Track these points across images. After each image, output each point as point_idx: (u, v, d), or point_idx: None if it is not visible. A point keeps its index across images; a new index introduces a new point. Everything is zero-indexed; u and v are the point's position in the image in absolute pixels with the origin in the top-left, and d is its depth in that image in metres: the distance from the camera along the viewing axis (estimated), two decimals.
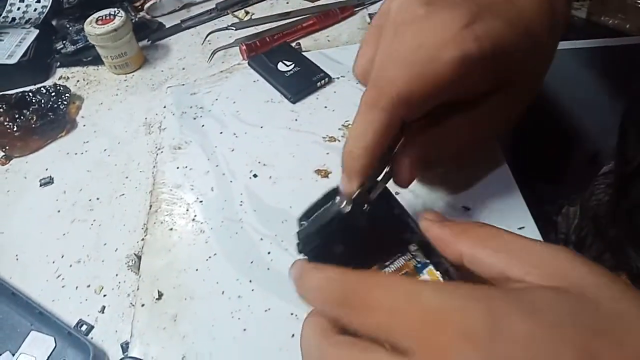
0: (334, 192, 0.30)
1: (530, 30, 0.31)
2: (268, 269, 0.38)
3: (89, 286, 0.41)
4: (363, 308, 0.21)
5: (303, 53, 0.55)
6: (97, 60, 0.61)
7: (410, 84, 0.28)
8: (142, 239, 0.42)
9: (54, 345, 0.37)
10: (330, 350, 0.22)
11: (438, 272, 0.27)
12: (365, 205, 0.30)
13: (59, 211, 0.46)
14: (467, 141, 0.34)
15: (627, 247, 0.53)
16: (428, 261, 0.28)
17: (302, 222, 0.30)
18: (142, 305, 0.37)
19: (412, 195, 0.39)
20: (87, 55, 0.62)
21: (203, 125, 0.49)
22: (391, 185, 0.33)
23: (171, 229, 0.41)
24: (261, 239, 0.39)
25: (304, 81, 0.51)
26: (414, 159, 0.32)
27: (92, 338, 0.38)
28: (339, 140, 0.46)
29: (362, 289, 0.22)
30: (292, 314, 0.35)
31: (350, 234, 0.29)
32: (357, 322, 0.22)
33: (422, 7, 0.29)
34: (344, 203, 0.29)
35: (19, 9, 0.65)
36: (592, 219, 0.64)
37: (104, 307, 0.39)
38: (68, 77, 0.61)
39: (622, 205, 0.55)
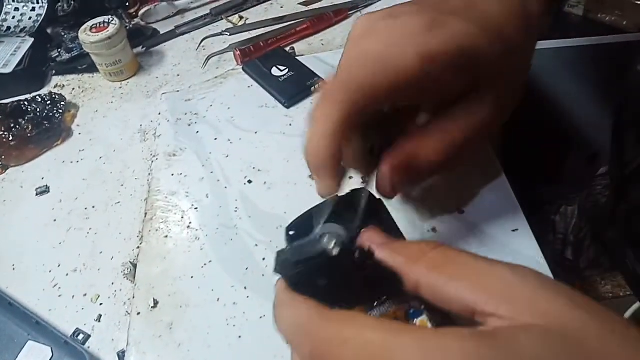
0: (328, 206, 0.29)
1: (502, 33, 0.31)
2: (263, 275, 0.38)
3: (85, 295, 0.41)
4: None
5: (297, 57, 0.56)
6: (92, 68, 0.61)
7: (371, 77, 0.28)
8: (138, 247, 0.42)
9: (51, 355, 0.37)
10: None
11: (429, 324, 0.24)
12: (356, 252, 0.26)
13: (55, 220, 0.46)
14: (446, 147, 0.33)
15: (625, 249, 0.53)
16: (423, 308, 0.25)
17: (291, 232, 0.29)
18: (138, 313, 0.37)
19: (406, 199, 0.39)
20: (82, 63, 0.62)
21: (198, 132, 0.49)
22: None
23: (166, 237, 0.41)
24: (256, 245, 0.39)
25: (298, 86, 0.51)
26: (395, 165, 0.32)
27: (88, 347, 0.38)
28: None
29: (334, 347, 0.20)
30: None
31: (334, 272, 0.26)
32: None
33: (382, 20, 0.30)
34: (333, 244, 0.26)
35: (14, 17, 0.65)
36: (589, 220, 0.64)
37: (100, 316, 0.39)
38: (63, 85, 0.61)
39: (620, 207, 0.55)
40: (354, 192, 0.30)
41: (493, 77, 0.32)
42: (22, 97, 0.57)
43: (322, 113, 0.29)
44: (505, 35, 0.31)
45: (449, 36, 0.29)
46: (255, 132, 0.48)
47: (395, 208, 0.39)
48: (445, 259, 0.21)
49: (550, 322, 0.18)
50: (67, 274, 0.42)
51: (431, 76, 0.29)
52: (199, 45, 0.63)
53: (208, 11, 0.68)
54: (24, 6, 0.66)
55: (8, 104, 0.56)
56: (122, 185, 0.48)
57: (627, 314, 0.45)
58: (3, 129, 0.52)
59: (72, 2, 0.67)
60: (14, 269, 0.43)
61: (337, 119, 0.28)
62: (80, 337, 0.38)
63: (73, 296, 0.41)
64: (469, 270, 0.20)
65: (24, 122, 0.53)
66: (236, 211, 0.42)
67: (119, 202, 0.47)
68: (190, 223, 0.42)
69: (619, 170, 0.53)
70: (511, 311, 0.18)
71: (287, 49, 0.59)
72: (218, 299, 0.37)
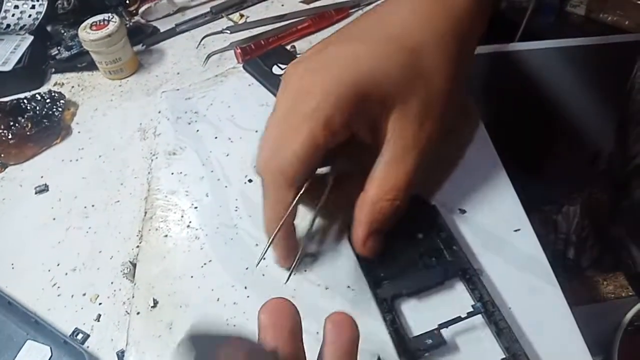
0: None
1: (403, 40, 0.33)
2: (263, 275, 0.37)
3: (84, 294, 0.40)
4: None
5: (298, 56, 0.55)
6: (91, 66, 0.61)
7: (292, 163, 0.32)
8: (137, 246, 0.42)
9: (50, 354, 0.37)
10: None
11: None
12: None
13: (54, 219, 0.46)
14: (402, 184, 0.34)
15: (630, 246, 0.53)
16: None
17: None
18: (138, 313, 0.37)
19: None
20: (81, 61, 0.62)
21: (198, 130, 0.49)
22: None
23: (166, 236, 0.41)
24: (257, 245, 0.39)
25: None
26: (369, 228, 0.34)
27: (87, 347, 0.37)
28: None
29: None
30: None
31: None
32: None
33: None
34: None
35: (13, 15, 0.65)
36: (592, 219, 0.63)
37: (99, 316, 0.39)
38: (63, 83, 0.61)
39: (623, 203, 0.55)
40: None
41: (405, 93, 0.32)
42: (22, 95, 0.57)
43: (266, 202, 0.35)
44: (409, 41, 0.33)
45: (342, 78, 0.32)
46: (256, 131, 0.48)
47: None
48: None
49: None
50: (66, 273, 0.42)
51: (341, 127, 0.32)
52: (199, 44, 0.62)
53: (208, 9, 0.68)
54: (23, 4, 0.66)
55: (7, 102, 0.55)
56: (122, 184, 0.48)
57: (629, 314, 0.45)
58: (2, 127, 0.52)
59: (72, 0, 0.66)
60: (12, 268, 0.43)
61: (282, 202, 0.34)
62: (80, 336, 0.38)
63: (72, 295, 0.40)
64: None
65: (23, 120, 0.53)
66: (236, 210, 0.42)
67: (118, 201, 0.46)
68: (190, 222, 0.42)
69: (622, 166, 0.53)
70: None
71: (288, 47, 0.58)
72: (218, 299, 0.36)
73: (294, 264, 0.36)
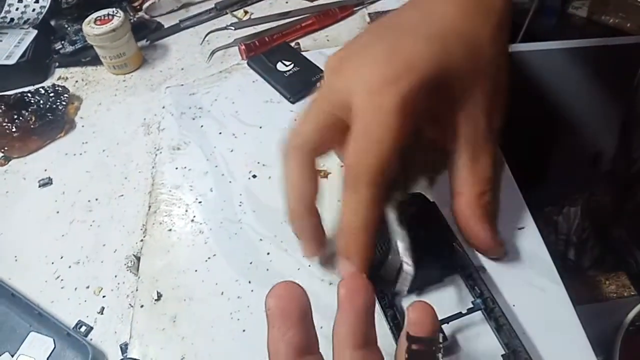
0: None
1: (461, 34, 0.32)
2: (267, 269, 0.37)
3: (88, 287, 0.40)
4: None
5: (302, 53, 0.55)
6: (95, 61, 0.61)
7: (374, 157, 0.29)
8: (141, 240, 0.42)
9: (53, 346, 0.37)
10: None
11: None
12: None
13: (57, 212, 0.46)
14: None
15: (632, 248, 0.53)
16: None
17: None
18: (141, 306, 0.37)
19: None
20: (85, 56, 0.62)
21: (202, 126, 0.49)
22: None
23: (170, 230, 0.41)
24: (260, 240, 0.39)
25: (303, 81, 0.51)
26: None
27: (91, 339, 0.37)
28: None
29: None
30: None
31: None
32: None
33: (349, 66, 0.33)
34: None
35: (17, 9, 0.65)
36: (593, 220, 0.64)
37: (103, 308, 0.39)
38: (67, 78, 0.61)
39: (626, 205, 0.55)
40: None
41: (466, 88, 0.32)
42: (26, 89, 0.57)
43: (352, 200, 0.30)
44: (466, 36, 0.32)
45: (409, 69, 0.30)
46: (260, 127, 0.48)
47: None
48: None
49: None
50: (69, 266, 0.42)
51: (411, 118, 0.30)
52: (203, 40, 0.63)
53: (213, 5, 0.68)
54: None
55: (11, 95, 0.55)
56: (126, 178, 0.48)
57: (631, 314, 0.45)
58: (6, 121, 0.52)
59: None
60: (16, 260, 0.43)
61: (368, 204, 0.29)
62: (83, 329, 0.38)
63: (75, 288, 0.40)
64: None
65: (27, 113, 0.53)
66: (240, 205, 0.42)
67: (122, 195, 0.46)
68: (194, 217, 0.42)
69: (625, 168, 0.53)
70: None
71: (292, 44, 0.58)
72: (222, 293, 0.36)
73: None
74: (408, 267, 0.30)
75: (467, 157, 0.33)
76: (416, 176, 0.38)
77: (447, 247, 0.35)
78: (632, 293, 0.44)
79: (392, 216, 0.32)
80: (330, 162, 0.43)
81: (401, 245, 0.31)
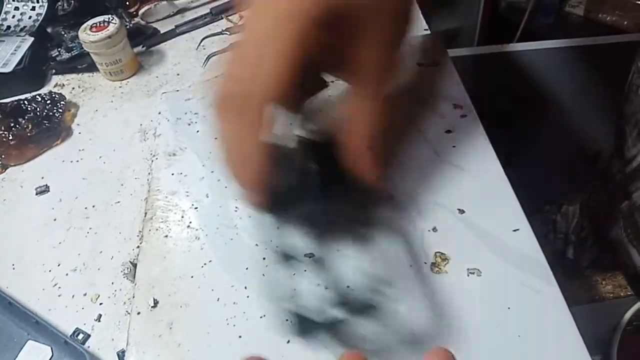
0: None
1: None
2: (263, 275, 0.37)
3: (85, 294, 0.41)
4: None
5: None
6: (92, 67, 0.61)
7: (268, 90, 0.29)
8: (138, 247, 0.42)
9: (51, 354, 0.37)
10: None
11: None
12: None
13: (55, 219, 0.46)
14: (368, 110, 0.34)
15: (629, 248, 0.53)
16: None
17: None
18: (138, 313, 0.37)
19: (406, 199, 0.39)
20: (82, 63, 0.62)
21: (198, 131, 0.49)
22: None
23: (166, 236, 0.41)
24: (256, 245, 0.39)
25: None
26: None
27: (88, 347, 0.38)
28: None
29: None
30: (287, 320, 0.34)
31: None
32: None
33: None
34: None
35: (13, 17, 0.65)
36: (591, 218, 0.64)
37: (100, 316, 0.39)
38: (63, 85, 0.61)
39: (623, 205, 0.55)
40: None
41: (370, 16, 0.31)
42: (22, 97, 0.57)
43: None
44: None
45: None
46: None
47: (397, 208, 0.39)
48: None
49: None
50: (66, 274, 0.42)
51: (309, 50, 0.29)
52: (199, 45, 0.63)
53: (208, 10, 0.68)
54: (24, 5, 0.66)
55: (8, 103, 0.56)
56: (122, 185, 0.48)
57: (628, 314, 0.45)
58: (3, 128, 0.52)
59: (72, 2, 0.67)
60: (13, 268, 0.43)
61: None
62: (80, 336, 0.38)
63: (73, 296, 0.41)
64: None
65: (23, 121, 0.53)
66: (236, 211, 0.42)
67: (118, 202, 0.47)
68: (190, 223, 0.42)
69: (621, 167, 0.53)
70: None
71: None
72: (218, 299, 0.37)
73: None
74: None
75: (363, 91, 0.33)
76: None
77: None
78: (629, 293, 0.44)
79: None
80: None
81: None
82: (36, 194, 0.49)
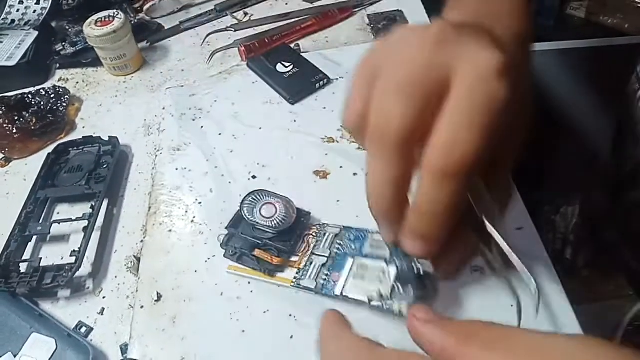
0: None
1: (519, 37, 0.32)
2: None
3: (88, 288, 0.41)
4: None
5: (302, 54, 0.56)
6: (96, 62, 0.61)
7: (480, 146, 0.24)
8: (141, 241, 0.42)
9: (55, 347, 0.37)
10: None
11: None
12: None
13: (58, 213, 0.46)
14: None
15: (623, 250, 0.53)
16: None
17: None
18: (141, 307, 0.37)
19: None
20: (86, 57, 0.62)
21: (202, 127, 0.49)
22: None
23: (170, 231, 0.41)
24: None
25: (302, 82, 0.51)
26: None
27: (91, 340, 0.38)
28: (338, 142, 0.46)
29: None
30: (290, 315, 0.35)
31: None
32: None
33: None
34: None
35: (18, 10, 0.65)
36: (590, 219, 0.64)
37: (103, 309, 0.39)
38: (67, 79, 0.61)
39: (618, 207, 0.55)
40: None
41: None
42: (26, 90, 0.57)
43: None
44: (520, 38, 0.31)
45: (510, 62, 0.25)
46: (260, 128, 0.48)
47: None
48: (498, 338, 0.20)
49: None
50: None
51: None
52: (203, 41, 0.63)
53: (213, 7, 0.68)
54: None
55: (12, 96, 0.56)
56: (126, 179, 0.48)
57: (629, 314, 0.45)
58: (7, 122, 0.52)
59: None
60: None
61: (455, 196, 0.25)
62: (83, 329, 0.38)
63: (76, 289, 0.41)
64: (524, 345, 0.20)
65: (27, 115, 0.53)
66: None
67: (122, 196, 0.47)
68: (194, 217, 0.42)
69: (617, 169, 0.53)
70: None
71: (292, 45, 0.59)
72: (221, 293, 0.37)
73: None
74: None
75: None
76: None
77: None
78: (630, 293, 0.44)
79: None
80: (329, 163, 0.44)
81: None
82: None
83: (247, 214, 0.37)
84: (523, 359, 0.19)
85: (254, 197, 0.38)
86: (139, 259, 0.41)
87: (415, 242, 0.27)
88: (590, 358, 0.18)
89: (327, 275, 0.35)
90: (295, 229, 0.37)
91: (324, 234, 0.37)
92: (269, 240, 0.36)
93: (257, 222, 0.37)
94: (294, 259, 0.37)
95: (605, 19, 1.17)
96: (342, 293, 0.34)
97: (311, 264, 0.36)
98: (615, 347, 0.19)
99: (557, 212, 0.70)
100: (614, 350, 0.19)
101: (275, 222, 0.36)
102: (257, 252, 0.37)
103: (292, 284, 0.35)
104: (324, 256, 0.36)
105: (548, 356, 0.19)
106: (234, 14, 0.67)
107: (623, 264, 0.54)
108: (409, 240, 0.27)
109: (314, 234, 0.38)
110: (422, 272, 0.32)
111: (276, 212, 0.37)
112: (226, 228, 0.38)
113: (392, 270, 0.33)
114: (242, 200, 0.38)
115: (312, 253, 0.36)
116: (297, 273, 0.36)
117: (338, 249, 0.36)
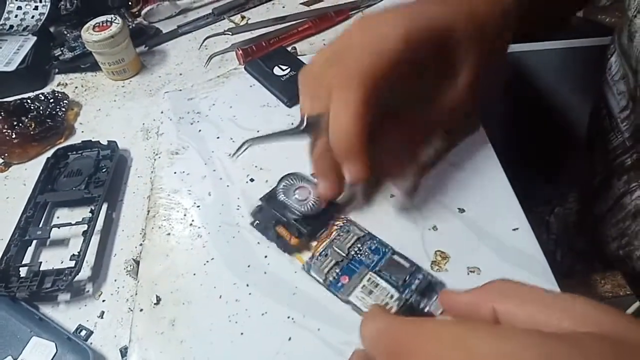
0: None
1: (475, 15, 0.35)
2: (265, 272, 0.38)
3: (88, 291, 0.41)
4: (410, 357, 0.21)
5: (299, 57, 0.56)
6: (94, 67, 0.61)
7: (371, 60, 0.32)
8: (140, 244, 0.42)
9: (55, 350, 0.38)
10: None
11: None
12: None
13: (57, 217, 0.47)
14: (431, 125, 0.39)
15: (593, 259, 0.53)
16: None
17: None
18: (141, 310, 0.37)
19: (407, 198, 0.40)
20: (85, 62, 0.62)
21: (200, 130, 0.50)
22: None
23: (169, 234, 0.42)
24: (258, 243, 0.40)
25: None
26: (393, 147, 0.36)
27: (91, 343, 0.38)
28: None
29: (408, 339, 0.22)
30: (289, 317, 0.35)
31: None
32: None
33: (372, 17, 0.35)
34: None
35: (16, 16, 0.66)
36: (563, 227, 0.64)
37: (103, 313, 0.39)
38: (66, 84, 0.62)
39: (587, 217, 0.55)
40: None
41: (467, 58, 0.35)
42: (25, 95, 0.58)
43: (343, 99, 0.32)
44: (478, 16, 0.35)
45: (425, 19, 0.33)
46: (258, 131, 0.49)
47: (397, 206, 0.40)
48: (515, 289, 0.23)
49: (605, 329, 0.19)
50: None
51: (415, 57, 0.33)
52: (201, 45, 0.63)
53: (210, 11, 0.68)
54: (26, 5, 0.66)
55: (11, 102, 0.56)
56: (125, 183, 0.48)
57: (628, 313, 0.45)
58: (6, 127, 0.53)
59: (75, 1, 0.67)
60: None
61: (360, 102, 0.31)
62: (83, 333, 0.38)
63: (76, 293, 0.41)
64: (535, 296, 0.22)
65: (26, 120, 0.53)
66: (238, 209, 0.42)
67: (121, 200, 0.47)
68: (192, 221, 0.42)
69: (589, 181, 0.53)
70: (572, 324, 0.20)
71: (289, 48, 0.59)
72: (220, 296, 0.37)
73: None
74: None
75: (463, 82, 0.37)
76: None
77: None
78: (628, 292, 0.44)
79: None
80: None
81: None
82: None
83: (282, 194, 0.39)
84: (537, 307, 0.21)
85: (291, 179, 0.40)
86: (138, 262, 0.41)
87: (348, 167, 0.33)
88: (587, 310, 0.20)
89: (337, 274, 0.36)
90: (321, 216, 0.39)
91: (348, 231, 0.38)
92: (294, 220, 0.38)
93: (289, 202, 0.39)
94: (313, 243, 0.38)
95: (603, 18, 1.17)
96: (348, 298, 0.34)
97: (326, 255, 0.37)
98: (605, 307, 0.20)
99: (552, 213, 0.70)
100: (605, 310, 0.20)
101: (307, 207, 0.38)
102: (279, 228, 0.38)
103: (304, 267, 0.37)
104: (341, 254, 0.37)
105: (554, 307, 0.21)
106: (232, 18, 0.67)
107: (623, 262, 0.54)
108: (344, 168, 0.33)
109: (339, 225, 0.39)
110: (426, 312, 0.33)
111: (309, 196, 0.39)
112: (260, 199, 0.40)
113: (398, 302, 0.34)
114: (280, 179, 0.40)
115: (332, 245, 0.37)
116: (310, 258, 0.37)
117: (356, 252, 0.37)
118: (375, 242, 0.37)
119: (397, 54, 0.32)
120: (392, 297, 0.34)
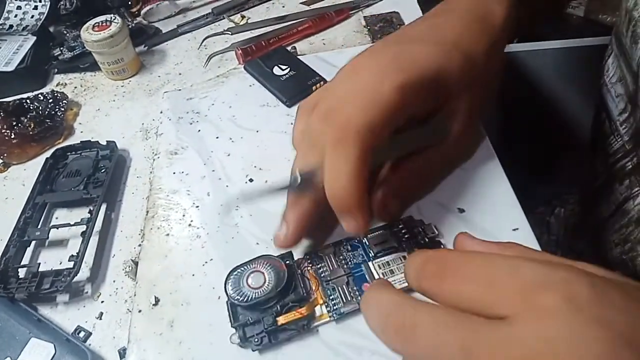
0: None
1: (461, 47, 0.35)
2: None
3: (86, 292, 0.41)
4: (459, 279, 0.22)
5: (299, 57, 0.56)
6: (94, 67, 0.61)
7: (366, 116, 0.31)
8: (139, 245, 0.42)
9: (54, 351, 0.37)
10: (423, 317, 0.21)
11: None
12: None
13: (56, 217, 0.46)
14: (436, 167, 0.40)
15: (594, 263, 0.53)
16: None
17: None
18: (139, 311, 0.37)
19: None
20: (84, 62, 0.62)
21: (199, 130, 0.50)
22: None
23: (168, 235, 0.41)
24: (257, 244, 0.39)
25: (299, 85, 0.51)
26: (395, 193, 0.37)
27: (90, 344, 0.38)
28: None
29: (459, 261, 0.23)
30: None
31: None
32: (449, 293, 0.22)
33: (364, 59, 0.35)
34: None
35: (16, 16, 0.66)
36: (564, 228, 0.64)
37: (101, 314, 0.39)
38: (65, 84, 0.62)
39: (588, 218, 0.55)
40: None
41: (459, 91, 0.36)
42: (24, 95, 0.57)
43: (341, 155, 0.31)
44: (464, 48, 0.36)
45: (418, 68, 0.33)
46: (257, 131, 0.48)
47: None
48: (526, 251, 0.26)
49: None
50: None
51: (406, 102, 0.33)
52: (200, 44, 0.63)
53: (210, 10, 0.68)
54: (26, 4, 0.66)
55: (10, 102, 0.56)
56: (124, 183, 0.48)
57: None
58: (5, 127, 0.52)
59: (74, 1, 0.67)
60: None
61: (357, 158, 0.31)
62: (82, 334, 0.38)
63: (74, 293, 0.41)
64: (548, 258, 0.24)
65: (26, 120, 0.53)
66: (237, 209, 0.42)
67: (120, 200, 0.47)
68: (191, 221, 0.42)
69: (589, 182, 0.53)
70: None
71: (289, 48, 0.59)
72: (219, 297, 0.37)
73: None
74: None
75: (457, 128, 0.38)
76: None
77: None
78: None
79: None
80: None
81: None
82: None
83: (238, 299, 0.34)
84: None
85: (234, 278, 0.35)
86: (137, 263, 0.41)
87: (347, 221, 0.32)
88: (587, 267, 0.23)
89: (357, 289, 0.34)
90: (291, 274, 0.35)
91: (320, 259, 0.36)
92: (278, 303, 0.34)
93: (254, 298, 0.33)
94: (311, 298, 0.34)
95: (604, 17, 1.17)
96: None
97: (334, 290, 0.34)
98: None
99: (552, 214, 0.70)
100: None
101: (272, 285, 0.34)
102: (282, 320, 0.33)
103: (332, 318, 0.33)
104: (341, 276, 0.35)
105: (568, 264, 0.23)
106: (231, 17, 0.67)
107: (623, 261, 0.54)
108: (343, 221, 0.32)
109: (310, 266, 0.36)
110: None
111: (264, 276, 0.35)
112: (233, 326, 0.34)
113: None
114: (228, 295, 0.34)
115: (326, 282, 0.35)
116: (326, 307, 0.34)
117: (346, 262, 0.36)
118: (346, 244, 0.37)
119: (391, 106, 0.32)
120: (405, 257, 0.35)
